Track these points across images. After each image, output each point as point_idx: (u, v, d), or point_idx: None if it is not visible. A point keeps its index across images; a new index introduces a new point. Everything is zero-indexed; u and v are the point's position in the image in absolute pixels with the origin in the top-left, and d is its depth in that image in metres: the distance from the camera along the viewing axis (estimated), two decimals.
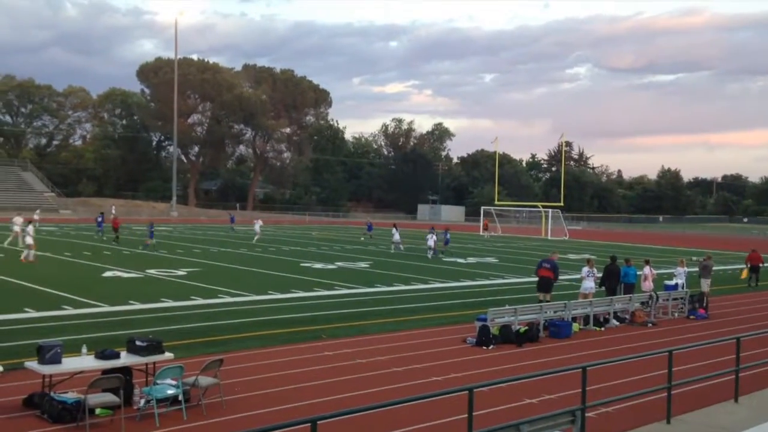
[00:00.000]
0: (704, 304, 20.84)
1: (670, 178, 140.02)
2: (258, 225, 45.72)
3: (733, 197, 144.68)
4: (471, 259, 36.00)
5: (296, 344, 14.72)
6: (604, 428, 9.76)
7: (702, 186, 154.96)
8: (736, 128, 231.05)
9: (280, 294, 21.68)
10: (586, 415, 8.55)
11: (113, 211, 56.23)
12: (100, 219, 46.00)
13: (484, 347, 15.08)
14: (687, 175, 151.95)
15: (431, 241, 36.81)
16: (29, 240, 29.00)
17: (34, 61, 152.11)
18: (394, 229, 40.92)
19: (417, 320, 18.08)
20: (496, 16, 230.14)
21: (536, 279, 20.39)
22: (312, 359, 13.46)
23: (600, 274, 20.79)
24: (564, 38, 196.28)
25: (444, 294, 23.14)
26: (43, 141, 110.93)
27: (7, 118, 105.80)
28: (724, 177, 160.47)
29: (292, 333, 15.85)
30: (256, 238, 44.42)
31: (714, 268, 24.48)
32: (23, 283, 22.47)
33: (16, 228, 35.01)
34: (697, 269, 23.89)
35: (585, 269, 20.30)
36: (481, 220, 68.73)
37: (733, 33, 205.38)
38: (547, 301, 18.72)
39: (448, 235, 39.53)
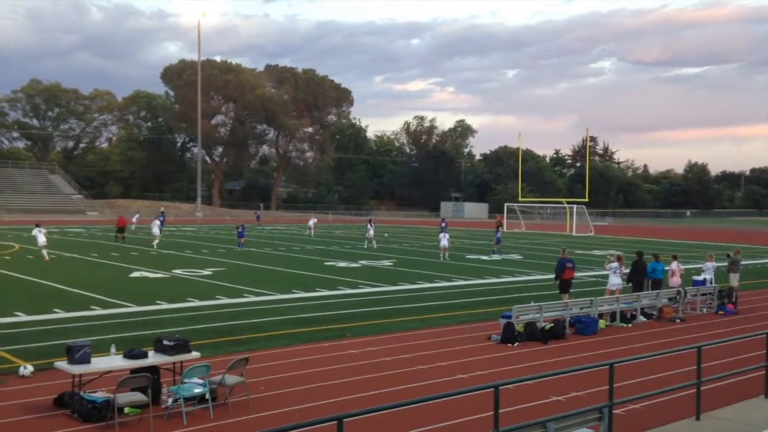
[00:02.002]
0: (733, 300, 20.54)
1: (697, 172, 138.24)
2: (312, 222, 51.81)
3: (762, 190, 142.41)
4: (495, 256, 35.84)
5: (321, 343, 14.77)
6: (633, 425, 9.67)
7: (730, 180, 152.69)
8: (765, 120, 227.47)
9: (304, 293, 21.76)
10: (614, 412, 8.47)
11: (161, 210, 58.50)
12: (161, 219, 48.94)
13: (509, 344, 15.02)
14: (714, 169, 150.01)
15: (445, 240, 34.09)
16: (156, 231, 38.63)
17: (60, 65, 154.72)
18: (368, 225, 42.39)
19: (441, 318, 18.05)
20: (519, 11, 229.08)
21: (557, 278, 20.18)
22: (337, 357, 13.49)
23: (626, 271, 20.56)
24: (588, 32, 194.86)
25: (468, 291, 23.07)
26: (70, 144, 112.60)
27: (35, 122, 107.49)
28: (753, 170, 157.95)
29: (317, 331, 15.91)
30: (309, 232, 50.24)
31: (743, 262, 24.12)
32: (52, 284, 22.81)
33: (156, 231, 38.62)
34: (725, 264, 23.56)
35: (613, 265, 20.07)
36: (505, 216, 68.43)
37: (760, 24, 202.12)
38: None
39: (499, 234, 38.18)
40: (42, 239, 30.99)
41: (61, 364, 10.10)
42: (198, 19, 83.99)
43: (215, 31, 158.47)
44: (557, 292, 20.27)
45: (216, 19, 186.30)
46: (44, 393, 10.66)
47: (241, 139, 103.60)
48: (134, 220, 54.70)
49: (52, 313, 17.52)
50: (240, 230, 39.01)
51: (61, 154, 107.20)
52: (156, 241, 38.37)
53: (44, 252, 30.87)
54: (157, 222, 39.86)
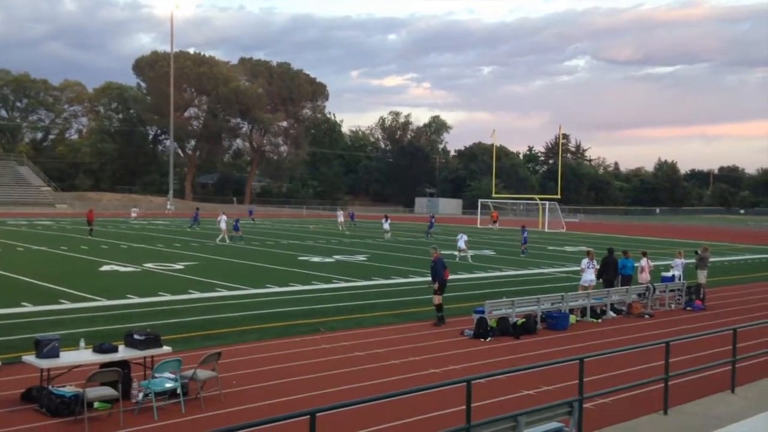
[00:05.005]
0: (701, 296, 20.88)
1: (666, 170, 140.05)
2: (341, 215, 53.69)
3: (730, 189, 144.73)
4: (468, 252, 35.93)
5: (294, 337, 14.74)
6: (602, 419, 9.80)
7: (699, 178, 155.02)
8: (734, 120, 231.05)
9: (278, 287, 21.69)
10: (584, 406, 8.58)
11: (197, 209, 57.67)
12: (196, 214, 50.88)
13: (482, 339, 15.12)
14: (684, 167, 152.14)
15: (462, 242, 31.95)
16: (223, 226, 38.61)
17: (30, 55, 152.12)
18: (384, 220, 46.46)
19: (415, 313, 18.10)
20: (496, 8, 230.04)
21: (440, 279, 16.96)
22: (310, 352, 13.48)
23: (599, 266, 20.78)
24: (563, 30, 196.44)
25: None
26: (39, 135, 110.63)
27: (3, 113, 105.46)
28: (721, 169, 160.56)
29: (291, 326, 15.87)
30: (341, 228, 51.33)
31: (711, 259, 24.52)
32: (20, 277, 22.46)
33: (223, 225, 38.81)
34: (694, 261, 23.94)
35: (585, 261, 20.22)
36: (479, 212, 68.78)
37: (732, 24, 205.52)
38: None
39: (526, 233, 36.93)
40: None
41: (29, 358, 9.96)
42: (171, 10, 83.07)
43: (190, 23, 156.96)
44: (529, 287, 20.39)
45: (191, 11, 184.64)
46: (12, 387, 10.51)
47: (215, 132, 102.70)
48: (134, 214, 55.23)
49: (20, 306, 17.26)
50: (235, 224, 39.61)
51: (30, 146, 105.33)
52: (221, 236, 38.38)
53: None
54: (224, 217, 39.68)
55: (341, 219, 52.89)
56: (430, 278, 17.42)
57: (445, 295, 16.29)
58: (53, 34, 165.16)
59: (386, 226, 45.36)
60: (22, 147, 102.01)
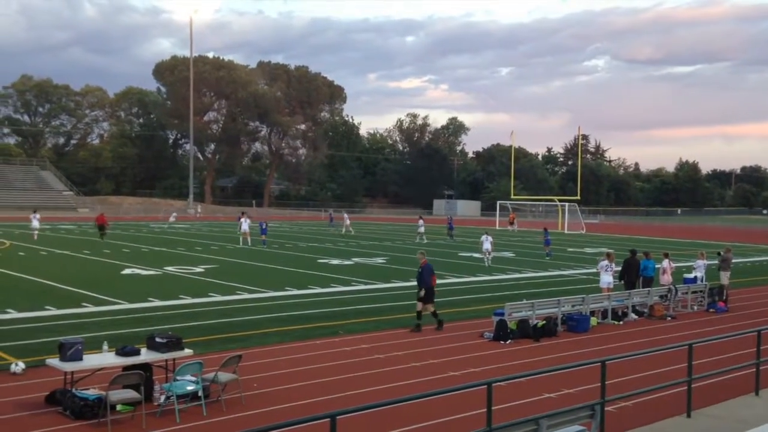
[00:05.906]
0: (724, 297, 20.65)
1: (688, 170, 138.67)
2: (347, 218, 53.79)
3: (752, 189, 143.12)
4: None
5: (314, 340, 14.78)
6: (624, 422, 9.72)
7: (720, 178, 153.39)
8: (756, 119, 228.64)
9: (297, 290, 21.75)
10: (606, 409, 8.51)
11: (243, 212, 56.74)
12: (240, 217, 50.26)
13: (502, 342, 15.06)
14: (705, 167, 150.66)
15: (488, 243, 31.28)
16: (245, 228, 39.36)
17: (52, 60, 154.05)
18: (420, 221, 47.61)
19: None
20: (514, 9, 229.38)
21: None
22: (330, 355, 13.50)
23: (618, 268, 20.63)
24: (582, 31, 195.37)
25: (461, 289, 23.10)
26: (61, 140, 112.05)
27: (26, 118, 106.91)
28: (743, 169, 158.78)
29: (310, 329, 15.91)
30: (344, 230, 51.35)
31: (733, 260, 24.23)
32: (43, 280, 22.72)
33: (245, 227, 39.44)
34: (716, 262, 23.68)
35: (603, 263, 20.06)
36: (497, 214, 68.56)
37: (753, 23, 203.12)
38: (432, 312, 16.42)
39: (549, 236, 36.49)
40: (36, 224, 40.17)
41: (53, 361, 10.07)
42: (190, 15, 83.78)
43: (208, 28, 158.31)
44: (550, 289, 20.22)
45: (209, 16, 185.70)
46: (36, 390, 10.63)
47: (234, 135, 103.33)
48: (172, 219, 55.78)
49: (44, 310, 17.46)
50: (263, 227, 39.84)
51: (52, 151, 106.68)
52: (248, 238, 38.79)
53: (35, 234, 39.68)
54: (247, 220, 40.19)
55: (347, 222, 53.00)
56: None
57: (464, 297, 16.16)
58: (75, 40, 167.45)
59: (422, 229, 45.93)
60: (44, 152, 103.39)
